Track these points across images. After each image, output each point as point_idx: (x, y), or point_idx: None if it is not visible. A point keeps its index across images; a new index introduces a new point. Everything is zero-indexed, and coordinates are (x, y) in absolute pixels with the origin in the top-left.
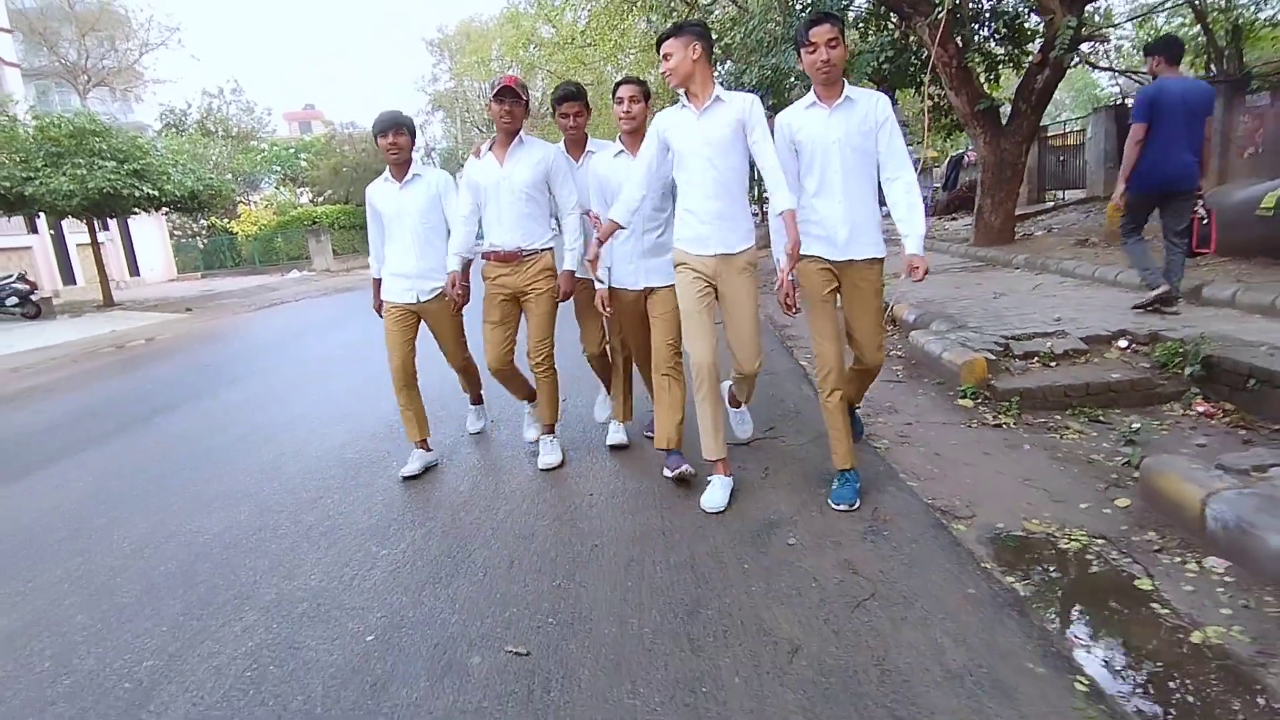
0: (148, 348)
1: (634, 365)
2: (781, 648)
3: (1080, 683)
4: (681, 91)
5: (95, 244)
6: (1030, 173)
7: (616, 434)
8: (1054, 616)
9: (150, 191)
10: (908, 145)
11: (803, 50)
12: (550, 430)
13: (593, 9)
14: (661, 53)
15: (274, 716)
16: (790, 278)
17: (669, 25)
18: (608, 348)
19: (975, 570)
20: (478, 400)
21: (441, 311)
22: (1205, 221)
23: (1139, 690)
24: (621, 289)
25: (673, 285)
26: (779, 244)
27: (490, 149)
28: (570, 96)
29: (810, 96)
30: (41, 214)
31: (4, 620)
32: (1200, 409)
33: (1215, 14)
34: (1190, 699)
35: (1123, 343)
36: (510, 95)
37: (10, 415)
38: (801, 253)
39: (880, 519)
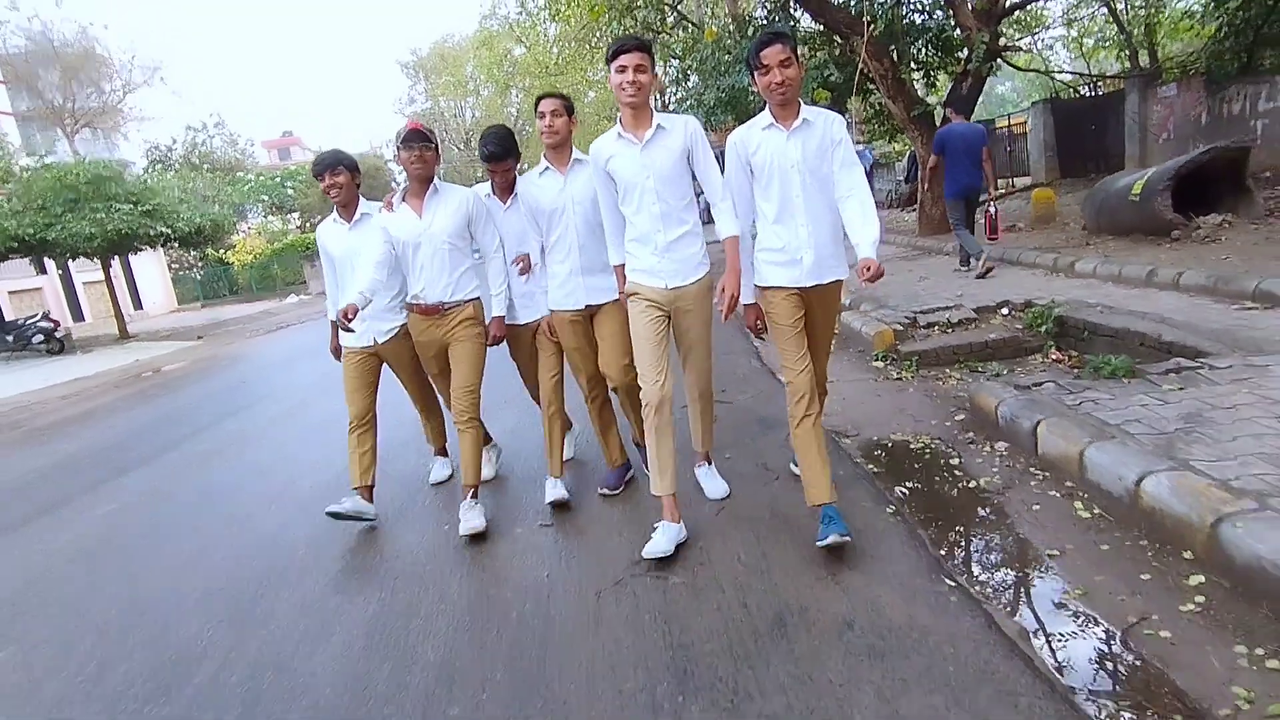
0: (176, 372)
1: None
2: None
3: (892, 508)
4: (620, 117)
5: (110, 282)
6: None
7: (554, 490)
8: (891, 482)
9: (163, 230)
10: (862, 145)
11: (756, 74)
12: (474, 492)
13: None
14: (632, 62)
15: None
16: (744, 304)
17: (626, 39)
18: (548, 385)
19: (849, 462)
20: (442, 451)
21: (402, 351)
22: (994, 215)
23: (931, 510)
24: (564, 311)
25: (618, 301)
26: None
27: (404, 199)
28: (496, 157)
29: (766, 116)
30: (62, 256)
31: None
32: (1054, 356)
33: (1132, 11)
34: (960, 512)
35: (1005, 310)
36: (419, 139)
37: (82, 431)
38: (766, 285)
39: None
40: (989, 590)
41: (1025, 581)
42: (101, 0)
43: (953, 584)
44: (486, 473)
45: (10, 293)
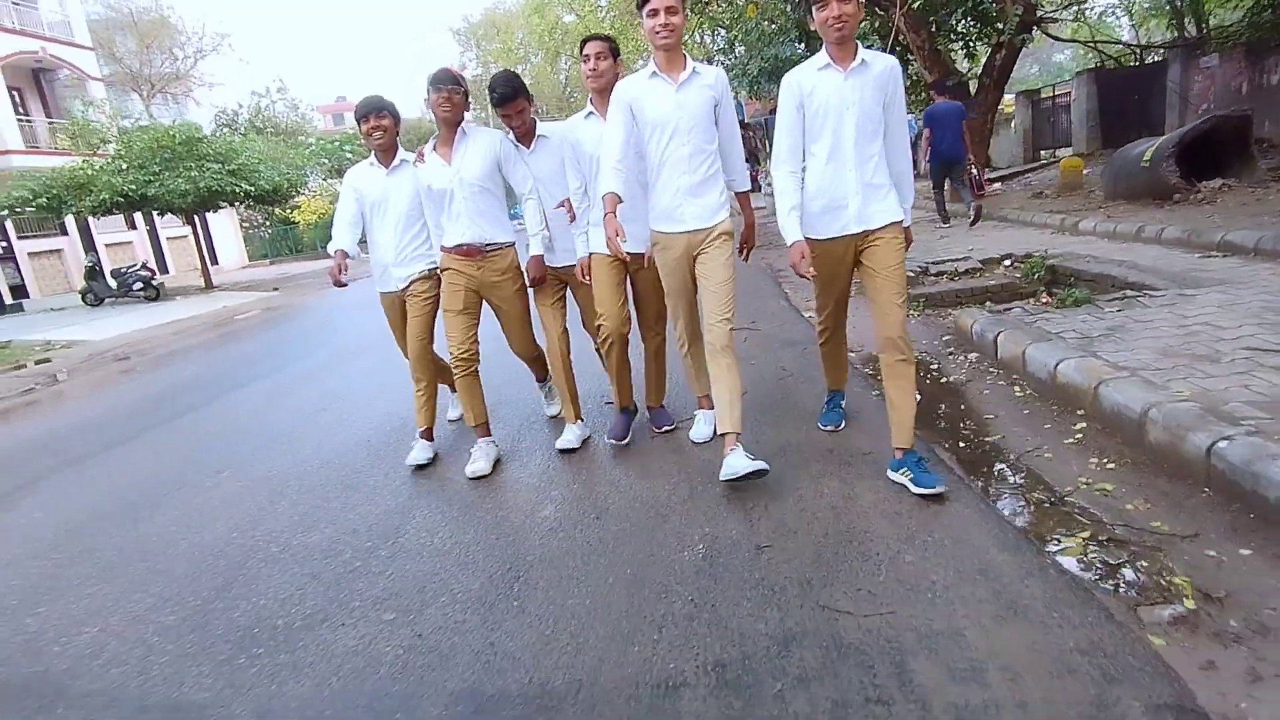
0: (261, 316)
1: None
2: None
3: (876, 393)
4: (654, 59)
5: (197, 237)
6: (1025, 134)
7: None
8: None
9: (246, 188)
10: (910, 116)
11: (815, 8)
12: (544, 380)
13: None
14: (663, 4)
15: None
16: (791, 242)
17: None
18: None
19: (851, 368)
20: (428, 435)
21: (419, 297)
22: (975, 176)
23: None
24: (601, 254)
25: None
26: (785, 211)
27: (434, 149)
28: (507, 98)
29: (823, 57)
30: (159, 211)
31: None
32: (1044, 300)
33: None
34: (929, 396)
35: (1007, 262)
36: (449, 80)
37: (201, 357)
38: (813, 235)
39: (808, 353)
40: (940, 436)
41: (964, 432)
42: None
43: (917, 434)
44: (455, 414)
45: (107, 245)
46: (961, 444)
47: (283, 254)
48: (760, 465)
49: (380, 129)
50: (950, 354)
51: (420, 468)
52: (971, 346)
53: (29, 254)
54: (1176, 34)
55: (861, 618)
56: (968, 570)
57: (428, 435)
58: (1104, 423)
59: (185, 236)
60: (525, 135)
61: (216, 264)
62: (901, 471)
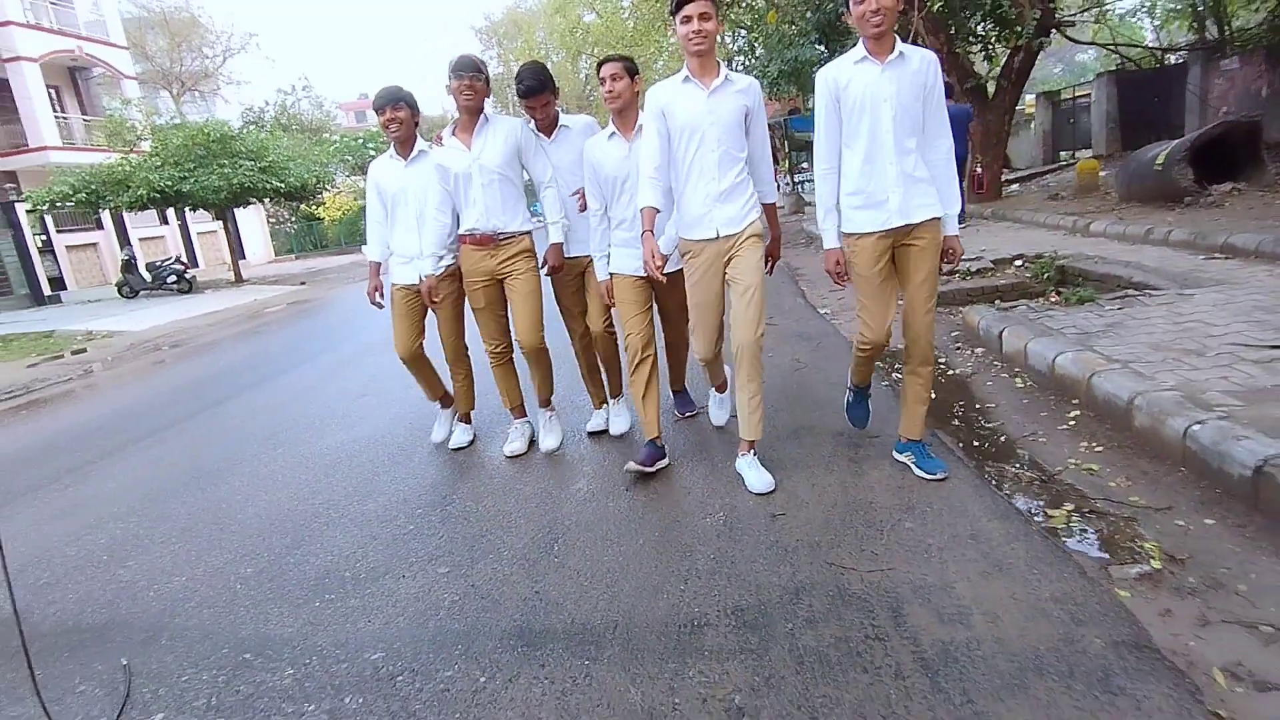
0: (292, 308)
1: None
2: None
3: (886, 383)
4: (686, 64)
5: (228, 231)
6: (1045, 135)
7: (619, 419)
8: (892, 371)
9: (277, 184)
10: None
11: (852, 3)
12: (548, 404)
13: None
14: (697, 11)
15: None
16: (826, 248)
17: None
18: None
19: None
20: (466, 418)
21: (444, 296)
22: (979, 175)
23: None
24: (627, 275)
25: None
26: (823, 214)
27: (454, 133)
28: (534, 91)
29: (859, 50)
30: (193, 206)
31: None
32: (1053, 299)
33: None
34: (937, 387)
35: (1018, 262)
36: (470, 68)
37: (237, 347)
38: (851, 230)
39: (822, 347)
40: (944, 422)
41: (967, 418)
42: None
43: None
44: (439, 437)
45: (140, 240)
46: (964, 428)
47: (307, 249)
48: (765, 489)
49: (397, 120)
50: (958, 349)
51: (459, 450)
52: (979, 342)
53: (67, 247)
54: (1197, 36)
55: (864, 573)
56: (960, 535)
57: (466, 419)
58: (1096, 410)
59: (215, 231)
60: (547, 127)
61: (244, 258)
62: (906, 455)
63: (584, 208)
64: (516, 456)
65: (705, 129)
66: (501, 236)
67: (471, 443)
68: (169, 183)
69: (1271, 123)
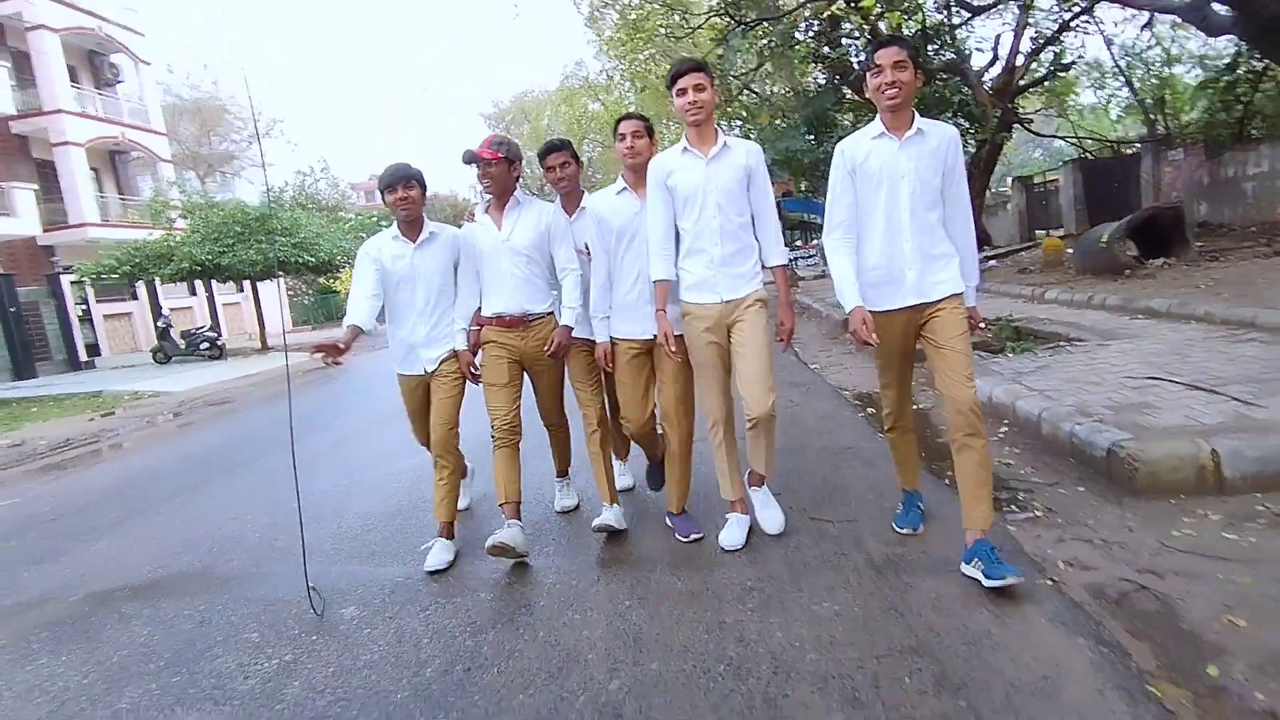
0: (325, 372)
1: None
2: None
3: (862, 414)
4: (685, 135)
5: (256, 302)
6: (1021, 215)
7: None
8: (866, 407)
9: (308, 258)
10: None
11: (869, 75)
12: (564, 474)
13: (636, 90)
14: (691, 83)
15: None
16: (850, 309)
17: (683, 62)
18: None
19: (845, 400)
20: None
21: (447, 378)
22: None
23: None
24: (625, 340)
25: (679, 335)
26: (841, 279)
27: (486, 211)
28: (555, 148)
29: (877, 125)
30: (232, 278)
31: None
32: (1010, 355)
33: (1145, 84)
34: None
35: (982, 324)
36: (479, 160)
37: (283, 404)
38: (870, 308)
39: (810, 392)
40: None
41: (923, 435)
42: (239, 59)
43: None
44: (461, 502)
45: (170, 310)
46: (922, 445)
47: (321, 320)
48: (777, 530)
49: (408, 200)
50: (924, 390)
51: (438, 573)
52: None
53: (104, 316)
54: (1148, 130)
55: (837, 523)
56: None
57: (448, 532)
58: (1018, 425)
59: (238, 303)
60: (570, 198)
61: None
62: (974, 563)
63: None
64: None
65: (706, 196)
66: (530, 318)
67: (453, 563)
68: (209, 256)
69: (1213, 206)
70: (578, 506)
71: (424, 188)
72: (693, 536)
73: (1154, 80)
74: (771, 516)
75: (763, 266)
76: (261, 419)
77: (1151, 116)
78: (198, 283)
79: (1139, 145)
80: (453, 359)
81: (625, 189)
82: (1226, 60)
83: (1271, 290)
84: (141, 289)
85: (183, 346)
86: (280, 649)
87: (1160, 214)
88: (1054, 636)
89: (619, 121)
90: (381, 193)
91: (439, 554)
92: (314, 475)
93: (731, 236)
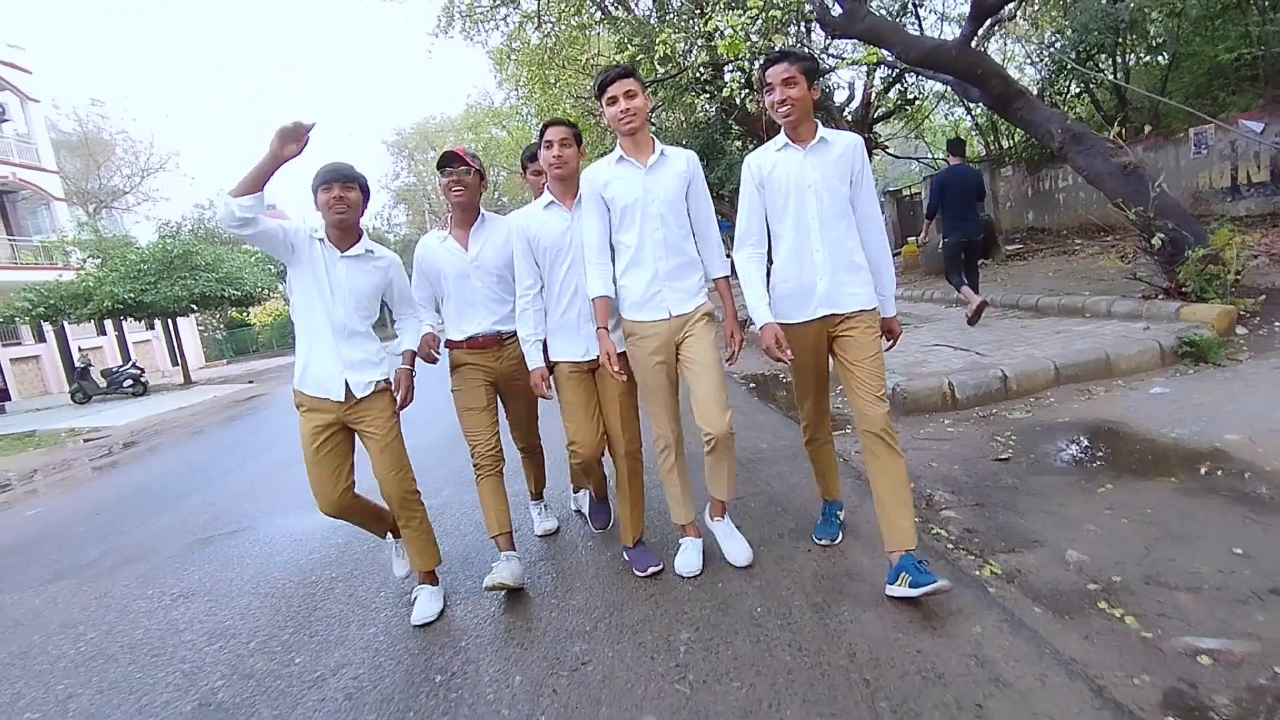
0: (252, 402)
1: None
2: None
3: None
4: (620, 145)
5: (169, 339)
6: (893, 224)
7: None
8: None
9: (234, 292)
10: None
11: (764, 93)
12: (539, 496)
13: (541, 115)
14: (621, 91)
15: None
16: (761, 324)
17: (610, 69)
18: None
19: (744, 388)
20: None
21: (379, 416)
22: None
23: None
24: (566, 361)
25: (621, 352)
26: (751, 293)
27: (450, 232)
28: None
29: (781, 138)
30: (154, 316)
31: None
32: None
33: (976, 108)
34: (778, 389)
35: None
36: (456, 161)
37: (221, 432)
38: (782, 321)
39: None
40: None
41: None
42: (130, 91)
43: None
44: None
45: (79, 349)
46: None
47: (242, 352)
48: (745, 560)
49: (345, 201)
50: None
51: (427, 625)
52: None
53: (10, 360)
54: (986, 150)
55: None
56: (794, 446)
57: (432, 577)
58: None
59: (149, 340)
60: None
61: (175, 365)
62: (900, 579)
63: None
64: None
65: (646, 207)
66: (504, 337)
67: (443, 612)
68: (131, 294)
69: (1037, 213)
70: (558, 530)
71: (367, 195)
72: (650, 570)
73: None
74: (738, 549)
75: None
76: (224, 436)
77: (987, 139)
78: (107, 322)
79: (980, 163)
80: (382, 393)
81: (553, 202)
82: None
83: (1039, 281)
84: (49, 331)
85: (103, 385)
86: None
87: (985, 228)
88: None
89: (545, 127)
90: (315, 191)
91: (429, 604)
92: None
93: (675, 249)
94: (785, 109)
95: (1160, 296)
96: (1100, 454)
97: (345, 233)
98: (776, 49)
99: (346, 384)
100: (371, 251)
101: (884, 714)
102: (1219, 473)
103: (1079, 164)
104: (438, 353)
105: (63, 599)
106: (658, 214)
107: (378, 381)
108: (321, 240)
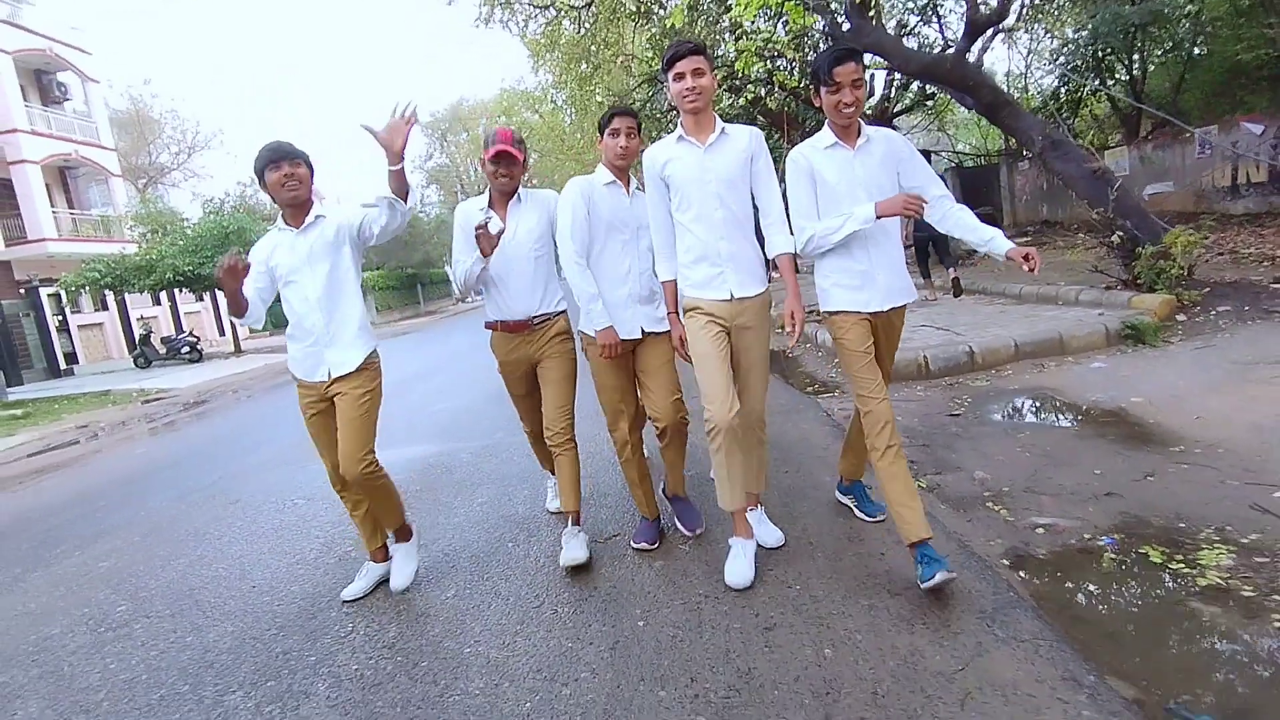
0: None
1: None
2: None
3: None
4: (681, 123)
5: (218, 310)
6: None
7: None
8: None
9: None
10: None
11: (824, 90)
12: (576, 519)
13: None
14: (690, 67)
15: None
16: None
17: (680, 44)
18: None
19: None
20: (379, 555)
21: (353, 397)
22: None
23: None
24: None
25: (667, 333)
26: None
27: (489, 207)
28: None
29: (828, 136)
30: (205, 290)
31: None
32: None
33: None
34: (785, 372)
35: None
36: (507, 159)
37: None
38: (837, 309)
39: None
40: (793, 378)
41: (797, 373)
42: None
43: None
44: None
45: (137, 319)
46: (806, 382)
47: (270, 327)
48: (776, 543)
49: (294, 179)
50: (807, 348)
51: (354, 601)
52: (815, 344)
53: (79, 326)
54: (1004, 144)
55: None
56: (786, 408)
57: (383, 554)
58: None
59: (198, 311)
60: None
61: (223, 335)
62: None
63: None
64: (579, 567)
65: (704, 188)
66: (537, 320)
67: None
68: (190, 267)
69: (1051, 207)
70: (589, 561)
71: (311, 169)
72: (697, 532)
73: None
74: (769, 532)
75: (766, 262)
76: (281, 398)
77: (1006, 134)
78: (162, 293)
79: (999, 157)
80: (358, 373)
81: (614, 182)
82: (1052, 89)
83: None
84: (111, 300)
85: (163, 352)
86: None
87: (984, 219)
88: (817, 429)
89: (610, 116)
90: (260, 175)
91: (374, 580)
92: None
93: (736, 229)
94: (850, 110)
95: (1119, 287)
96: (1031, 412)
97: (299, 209)
98: (840, 46)
99: (329, 371)
100: (322, 216)
101: (819, 561)
102: (1112, 423)
103: (1056, 168)
104: (496, 241)
105: (199, 506)
106: (715, 194)
107: (359, 363)
108: (280, 229)
